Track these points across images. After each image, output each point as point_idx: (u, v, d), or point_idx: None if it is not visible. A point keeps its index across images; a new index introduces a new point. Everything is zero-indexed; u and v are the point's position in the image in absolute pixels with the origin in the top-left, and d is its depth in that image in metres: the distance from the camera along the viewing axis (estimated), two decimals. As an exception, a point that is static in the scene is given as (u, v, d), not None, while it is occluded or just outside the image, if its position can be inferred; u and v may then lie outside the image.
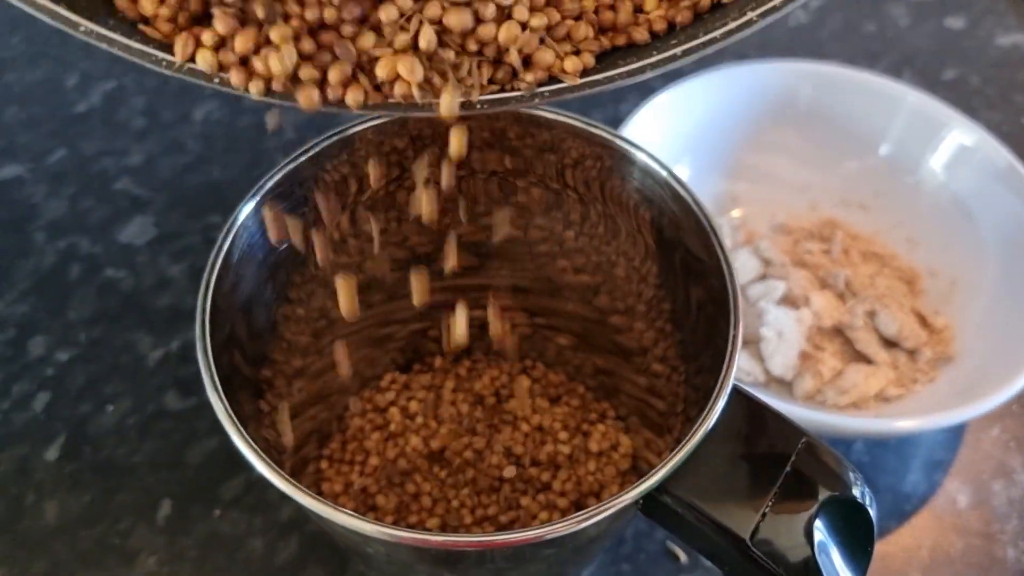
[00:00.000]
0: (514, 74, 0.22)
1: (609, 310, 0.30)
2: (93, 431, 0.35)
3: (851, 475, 0.22)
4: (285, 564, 0.32)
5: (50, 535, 0.32)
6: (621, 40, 0.22)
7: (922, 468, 0.36)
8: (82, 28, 0.20)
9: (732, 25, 0.21)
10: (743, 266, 0.39)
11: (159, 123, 0.46)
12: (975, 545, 0.34)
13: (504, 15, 0.21)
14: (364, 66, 0.21)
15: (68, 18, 0.20)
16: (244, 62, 0.21)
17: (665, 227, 0.27)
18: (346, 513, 0.20)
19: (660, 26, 0.22)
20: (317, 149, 0.26)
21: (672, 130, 0.39)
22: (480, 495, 0.29)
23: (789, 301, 0.37)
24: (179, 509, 0.33)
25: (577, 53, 0.22)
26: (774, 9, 0.21)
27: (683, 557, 0.33)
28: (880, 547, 0.34)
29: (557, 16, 0.21)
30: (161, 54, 0.21)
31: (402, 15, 0.20)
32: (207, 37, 0.21)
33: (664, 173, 0.26)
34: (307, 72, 0.21)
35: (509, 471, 0.29)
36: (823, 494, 0.21)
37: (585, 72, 0.22)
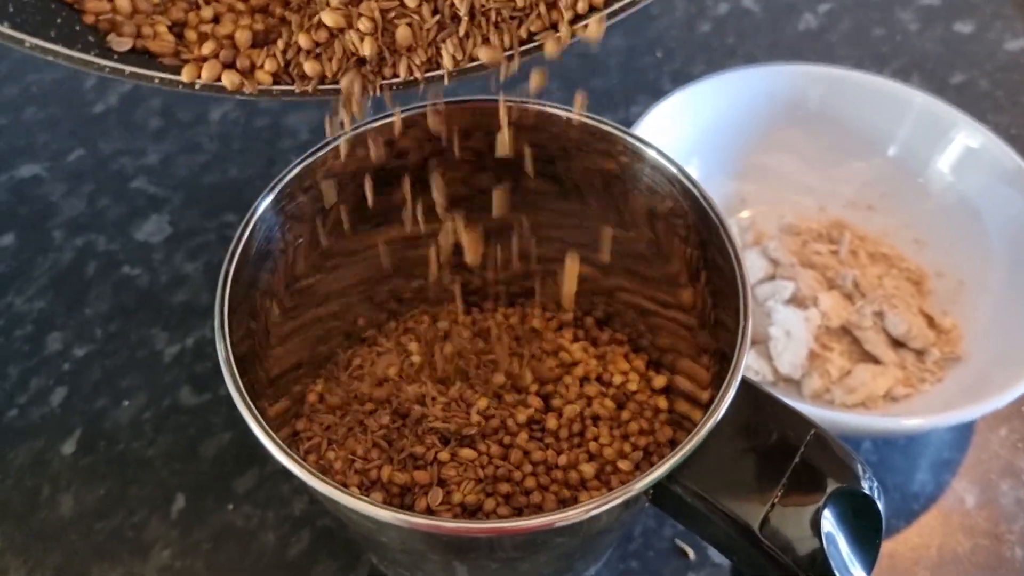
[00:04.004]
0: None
1: (624, 303, 0.31)
2: (109, 425, 0.36)
3: (859, 467, 0.22)
4: (297, 557, 0.32)
5: (65, 527, 0.33)
6: None
7: (930, 468, 0.36)
8: (27, 44, 0.21)
9: None
10: (752, 266, 0.39)
11: (176, 123, 0.47)
12: (983, 545, 0.34)
13: None
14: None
15: (13, 36, 0.21)
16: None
17: (675, 224, 0.27)
18: (362, 499, 0.20)
19: None
20: (333, 145, 0.26)
21: (682, 131, 0.40)
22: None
23: (797, 301, 0.38)
24: (193, 503, 0.33)
25: None
26: None
27: (691, 554, 0.33)
28: (888, 546, 0.34)
29: None
30: (102, 61, 0.21)
31: None
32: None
33: (675, 170, 0.26)
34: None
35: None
36: (832, 485, 0.21)
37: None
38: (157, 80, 0.22)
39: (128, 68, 0.22)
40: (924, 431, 0.36)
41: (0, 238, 0.42)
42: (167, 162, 0.45)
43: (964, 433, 0.37)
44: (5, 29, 0.20)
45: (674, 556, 0.33)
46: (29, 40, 0.21)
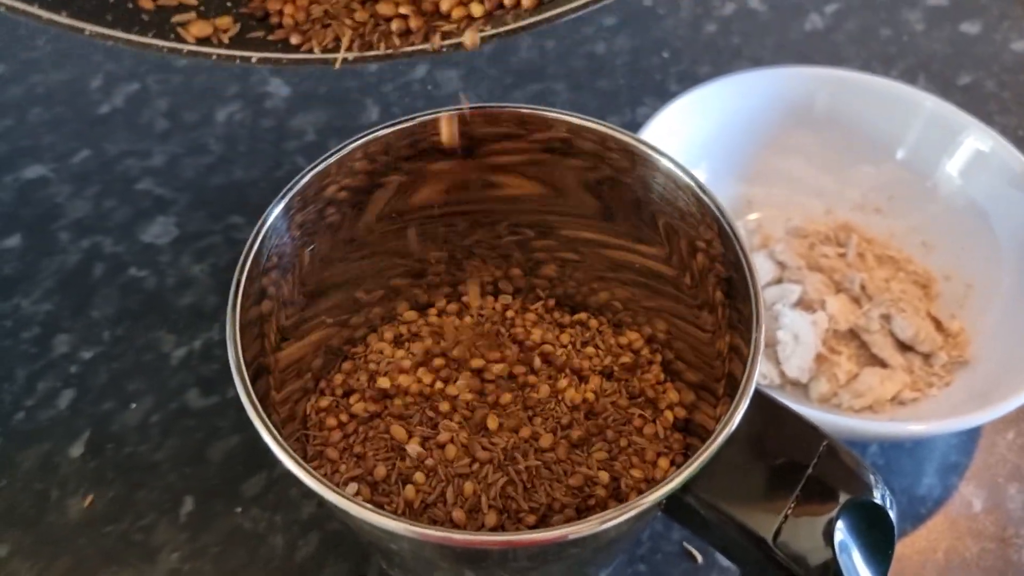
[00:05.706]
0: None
1: (635, 309, 0.31)
2: (116, 428, 0.36)
3: (871, 478, 0.22)
4: (306, 561, 0.32)
5: (74, 531, 0.33)
6: None
7: (937, 471, 0.36)
8: (87, 31, 0.20)
9: None
10: (759, 269, 0.39)
11: (181, 124, 0.47)
12: (990, 549, 0.34)
13: None
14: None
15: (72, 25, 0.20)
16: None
17: (687, 233, 0.27)
18: (372, 510, 0.20)
19: None
20: (343, 152, 0.26)
21: (689, 134, 0.40)
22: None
23: (805, 304, 0.38)
24: (201, 506, 0.33)
25: None
26: None
27: (700, 558, 0.33)
28: (895, 549, 0.34)
29: None
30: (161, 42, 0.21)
31: None
32: None
33: (687, 179, 0.26)
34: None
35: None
36: (844, 497, 0.21)
37: None
38: (215, 56, 0.22)
39: (187, 47, 0.22)
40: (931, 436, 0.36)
41: (6, 240, 0.42)
42: (173, 163, 0.45)
43: (971, 436, 0.37)
44: (63, 19, 0.20)
45: (682, 559, 0.33)
46: (89, 28, 0.20)
